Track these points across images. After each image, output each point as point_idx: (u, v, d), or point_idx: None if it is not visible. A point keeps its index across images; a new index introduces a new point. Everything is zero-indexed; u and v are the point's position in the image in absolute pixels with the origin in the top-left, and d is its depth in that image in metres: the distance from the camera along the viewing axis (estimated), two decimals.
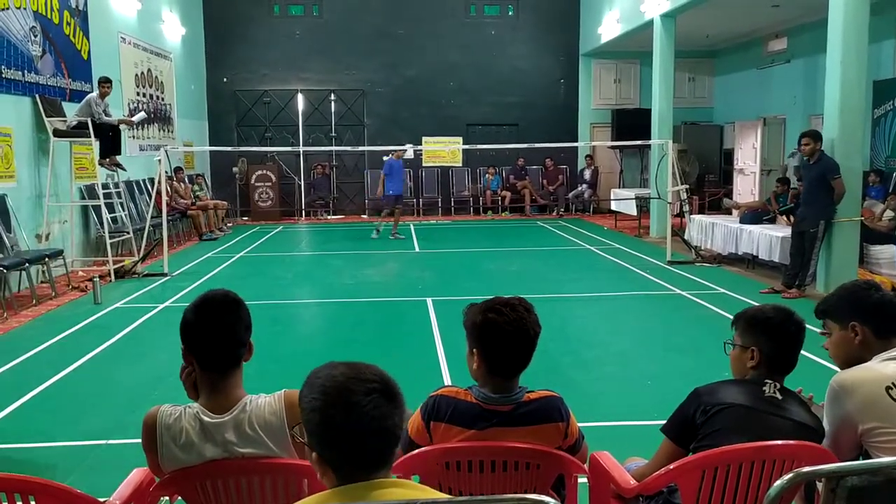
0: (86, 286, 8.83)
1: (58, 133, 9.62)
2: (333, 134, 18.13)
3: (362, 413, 1.45)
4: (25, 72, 9.30)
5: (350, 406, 1.45)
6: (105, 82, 9.99)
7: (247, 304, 2.27)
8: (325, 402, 1.47)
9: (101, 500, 2.21)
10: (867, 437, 2.31)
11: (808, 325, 2.47)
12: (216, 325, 2.15)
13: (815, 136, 8.09)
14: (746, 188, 15.30)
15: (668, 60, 13.12)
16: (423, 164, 17.71)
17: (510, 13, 18.35)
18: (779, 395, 2.36)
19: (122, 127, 10.51)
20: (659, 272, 9.83)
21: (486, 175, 17.70)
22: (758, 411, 2.32)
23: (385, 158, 13.98)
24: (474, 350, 2.32)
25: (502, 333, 2.25)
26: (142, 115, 11.25)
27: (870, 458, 2.32)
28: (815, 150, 8.03)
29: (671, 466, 2.30)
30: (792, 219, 9.27)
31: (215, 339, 2.15)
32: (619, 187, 17.60)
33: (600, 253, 11.68)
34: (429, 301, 8.06)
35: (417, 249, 12.57)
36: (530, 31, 18.34)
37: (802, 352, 2.45)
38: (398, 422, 1.49)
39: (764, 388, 2.36)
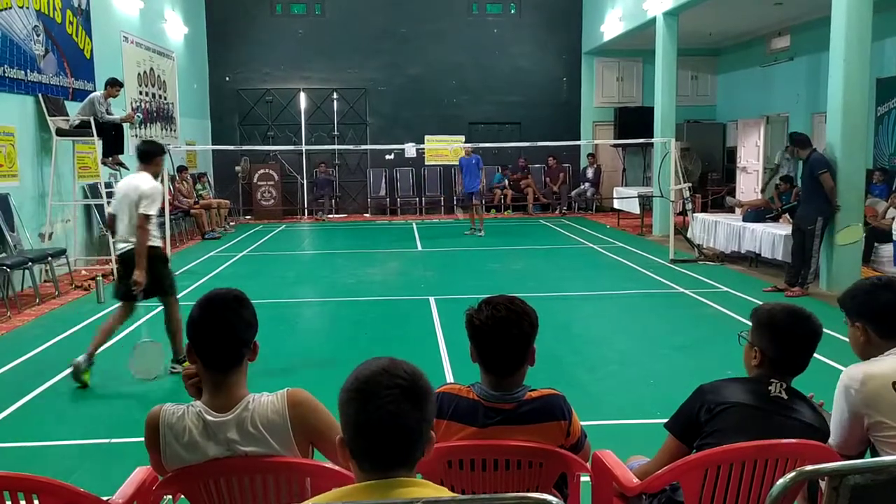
0: (89, 285, 8.84)
1: (61, 132, 9.63)
2: (336, 133, 18.13)
3: (376, 406, 1.47)
4: (28, 71, 9.31)
5: (367, 397, 1.48)
6: (117, 85, 9.99)
7: (252, 304, 2.27)
8: (349, 390, 1.51)
9: (104, 498, 2.21)
10: (874, 431, 2.33)
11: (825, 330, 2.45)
12: (219, 323, 2.15)
13: (797, 140, 8.24)
14: (749, 186, 15.28)
15: (670, 58, 13.11)
16: (426, 163, 17.84)
17: (512, 11, 18.33)
18: (784, 395, 2.33)
19: (125, 125, 10.52)
20: (662, 270, 9.82)
21: (497, 174, 17.69)
22: (762, 411, 2.31)
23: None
24: (470, 345, 2.37)
25: (480, 331, 2.30)
26: (137, 117, 11.21)
27: (877, 452, 2.33)
28: (802, 154, 8.13)
29: (674, 465, 2.29)
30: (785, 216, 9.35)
31: (218, 337, 2.15)
32: (622, 186, 17.58)
33: (603, 251, 11.67)
34: (431, 300, 8.06)
35: (420, 248, 12.57)
36: (533, 30, 18.32)
37: (818, 356, 2.43)
38: (415, 423, 1.49)
39: (770, 388, 2.34)
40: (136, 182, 5.48)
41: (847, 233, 8.03)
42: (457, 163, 17.93)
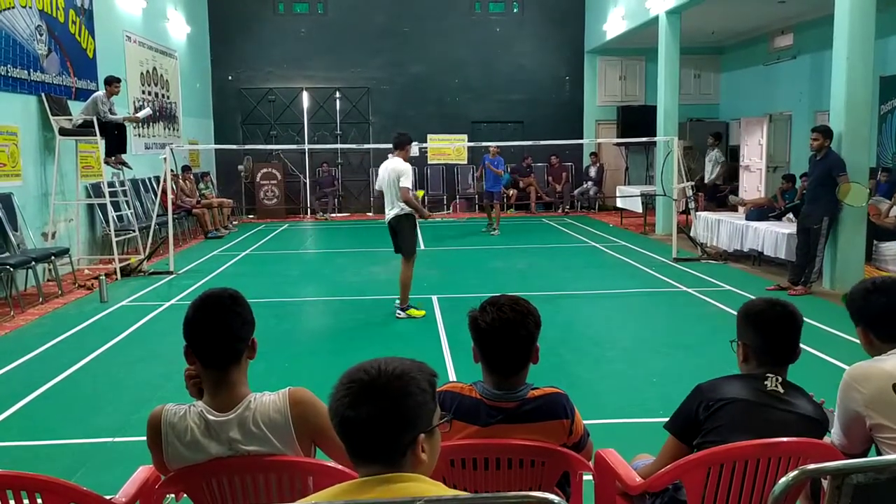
0: (92, 284, 8.85)
1: (64, 132, 9.64)
2: (338, 132, 18.14)
3: (337, 399, 1.52)
4: (31, 71, 9.32)
5: (335, 390, 1.53)
6: (115, 82, 10.00)
7: (248, 302, 2.26)
8: (337, 381, 1.55)
9: (107, 497, 2.21)
10: (875, 432, 2.33)
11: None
12: (214, 321, 2.15)
13: (825, 132, 8.03)
14: (752, 185, 15.25)
15: (673, 57, 13.09)
16: (429, 162, 17.84)
17: (515, 10, 18.32)
18: (781, 389, 2.34)
19: (127, 125, 10.54)
20: (664, 269, 9.81)
21: (507, 174, 17.68)
22: (760, 406, 2.32)
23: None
24: (473, 346, 2.37)
25: (486, 332, 2.30)
26: (147, 111, 11.29)
27: (881, 452, 2.33)
28: (824, 146, 7.97)
29: (676, 464, 2.29)
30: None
31: (213, 335, 2.15)
32: (625, 184, 17.57)
33: (606, 250, 11.66)
34: (434, 298, 8.07)
35: (423, 247, 12.56)
36: (535, 28, 18.31)
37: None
38: (368, 417, 1.47)
39: (766, 383, 2.35)
40: (393, 165, 7.14)
41: (854, 192, 7.88)
42: (456, 162, 18.01)
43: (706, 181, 13.23)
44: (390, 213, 7.31)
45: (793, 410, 2.32)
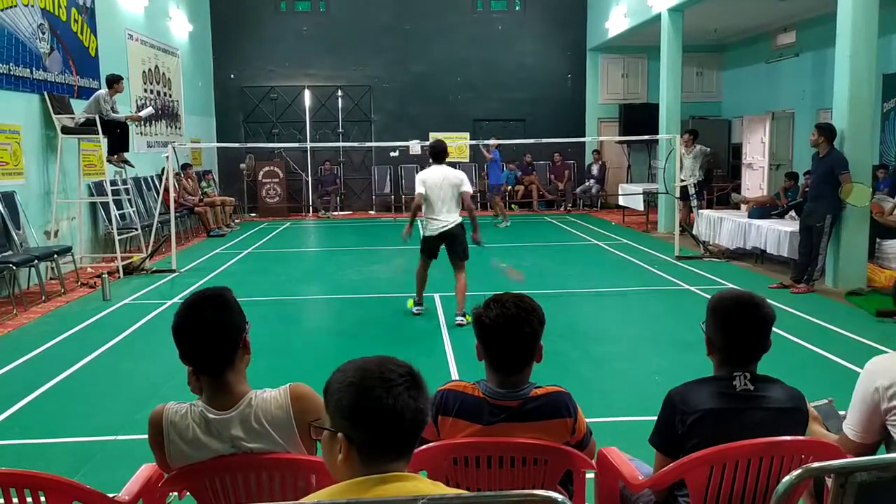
0: (94, 283, 8.86)
1: (66, 130, 9.65)
2: (340, 130, 18.14)
3: (397, 392, 1.49)
4: (34, 69, 9.33)
5: (386, 382, 1.50)
6: (118, 80, 10.00)
7: (236, 301, 2.22)
8: (363, 376, 1.51)
9: (111, 495, 2.21)
10: (890, 415, 2.33)
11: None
12: (198, 332, 2.13)
13: (824, 130, 8.03)
14: (755, 183, 15.24)
15: (675, 55, 13.07)
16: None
17: (517, 8, 18.30)
18: (751, 386, 2.29)
19: (129, 123, 10.55)
20: (667, 267, 9.80)
21: (506, 170, 17.69)
22: (730, 412, 2.27)
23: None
24: (477, 344, 2.37)
25: (490, 329, 2.30)
26: (149, 109, 11.29)
27: (892, 439, 2.33)
28: (820, 143, 8.00)
29: (679, 462, 2.28)
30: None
31: (200, 345, 2.13)
32: (627, 182, 17.55)
33: (608, 248, 11.65)
34: (436, 297, 8.06)
35: None
36: (537, 27, 18.29)
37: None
38: (424, 411, 1.53)
39: (734, 383, 2.30)
40: (453, 173, 7.15)
41: (857, 192, 7.88)
42: (457, 160, 18.00)
43: (688, 182, 12.94)
44: (452, 220, 7.05)
45: (765, 406, 2.28)
